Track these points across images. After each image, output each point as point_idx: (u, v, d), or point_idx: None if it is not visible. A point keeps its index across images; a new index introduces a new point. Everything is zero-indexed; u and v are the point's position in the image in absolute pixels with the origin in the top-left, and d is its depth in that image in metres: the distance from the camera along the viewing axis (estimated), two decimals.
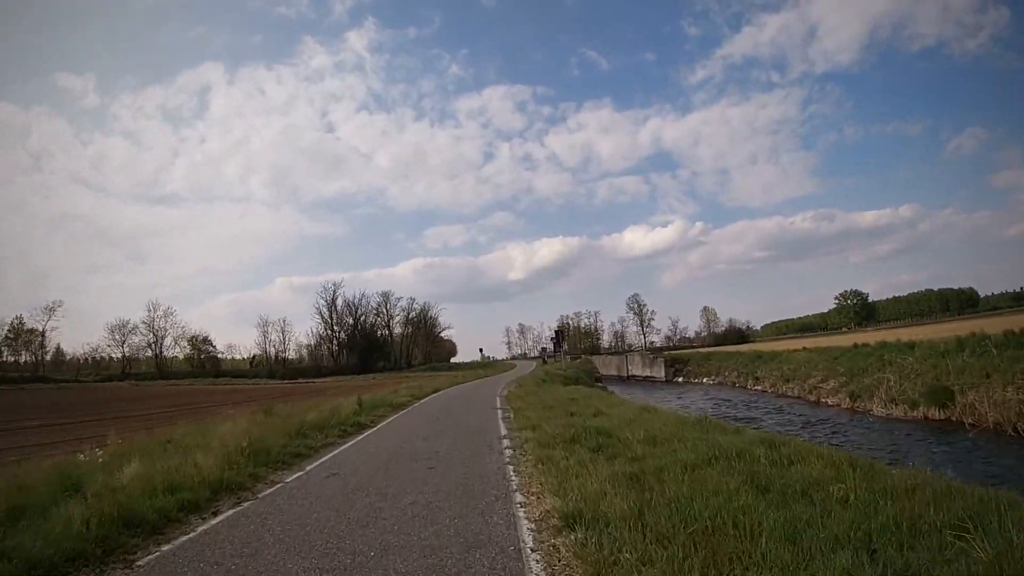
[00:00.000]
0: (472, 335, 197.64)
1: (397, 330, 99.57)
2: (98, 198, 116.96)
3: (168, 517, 5.29)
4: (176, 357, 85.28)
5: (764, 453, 6.28)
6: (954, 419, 16.69)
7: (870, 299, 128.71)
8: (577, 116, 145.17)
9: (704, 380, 47.35)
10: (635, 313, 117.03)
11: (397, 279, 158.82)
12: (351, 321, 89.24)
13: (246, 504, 5.98)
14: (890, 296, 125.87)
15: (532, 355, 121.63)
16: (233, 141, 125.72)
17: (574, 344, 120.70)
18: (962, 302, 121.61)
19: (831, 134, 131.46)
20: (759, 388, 38.24)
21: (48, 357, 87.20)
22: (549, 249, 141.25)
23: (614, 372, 57.09)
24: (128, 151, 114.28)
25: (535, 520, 4.86)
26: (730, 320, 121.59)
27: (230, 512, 5.70)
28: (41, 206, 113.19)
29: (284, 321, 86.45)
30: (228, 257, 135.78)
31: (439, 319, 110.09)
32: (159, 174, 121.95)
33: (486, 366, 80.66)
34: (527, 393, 18.17)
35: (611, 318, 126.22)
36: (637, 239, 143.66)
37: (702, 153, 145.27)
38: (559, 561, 3.92)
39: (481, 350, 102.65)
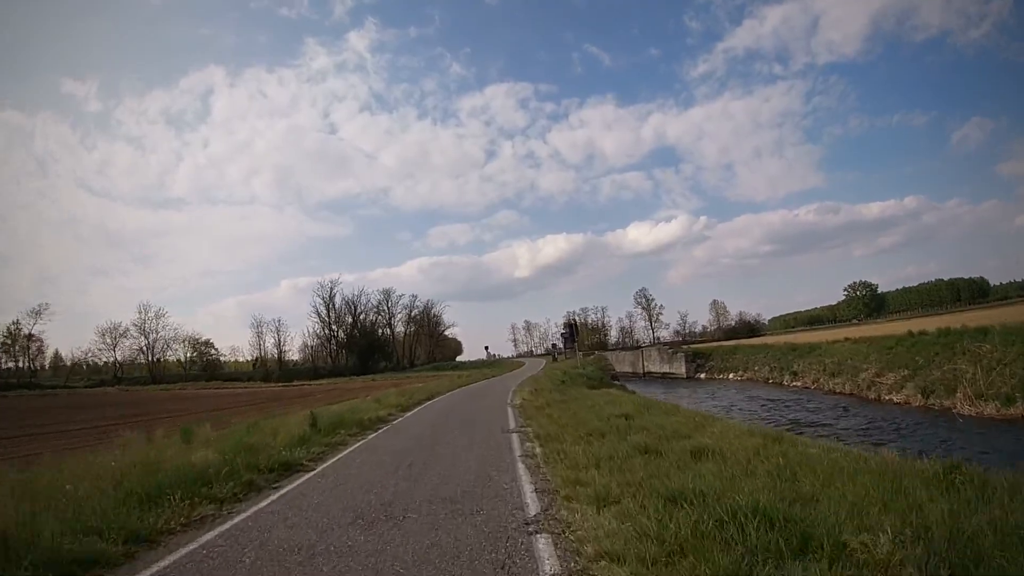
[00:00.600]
0: (478, 334, 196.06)
1: (399, 329, 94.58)
2: (103, 202, 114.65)
3: None
4: (179, 360, 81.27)
5: None
6: None
7: (879, 291, 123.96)
8: (580, 113, 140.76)
9: (730, 376, 42.03)
10: (643, 308, 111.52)
11: (403, 279, 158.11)
12: (350, 320, 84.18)
13: None
14: (898, 288, 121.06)
15: (538, 352, 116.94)
16: (236, 144, 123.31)
17: (581, 341, 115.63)
18: (973, 292, 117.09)
19: (835, 126, 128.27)
20: (798, 384, 33.12)
21: (47, 362, 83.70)
22: (554, 246, 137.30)
23: (628, 369, 51.83)
24: (132, 155, 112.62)
25: None
26: (740, 313, 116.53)
27: None
28: (47, 210, 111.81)
29: (279, 321, 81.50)
30: (233, 259, 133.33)
31: (443, 317, 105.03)
32: (163, 178, 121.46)
33: (492, 365, 75.36)
34: (549, 403, 12.91)
35: (617, 315, 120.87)
36: (641, 235, 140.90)
37: (705, 147, 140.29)
38: None
39: (487, 348, 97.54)
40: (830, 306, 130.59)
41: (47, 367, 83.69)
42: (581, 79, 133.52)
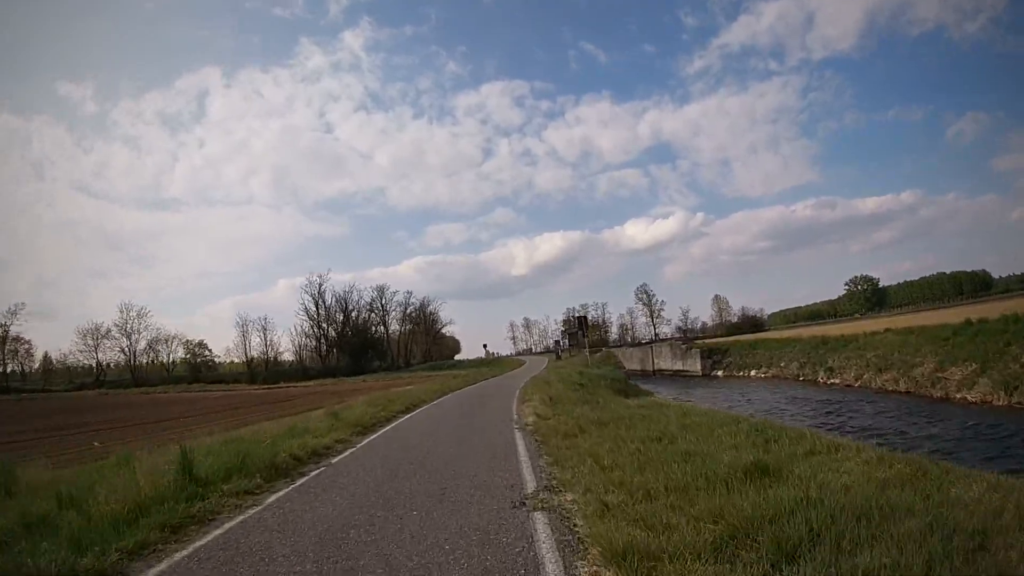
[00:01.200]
0: (477, 332, 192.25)
1: (394, 327, 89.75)
2: (100, 204, 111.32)
3: None
4: (165, 362, 76.68)
5: None
6: None
7: (880, 285, 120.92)
8: (576, 110, 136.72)
9: (752, 373, 37.34)
10: (644, 304, 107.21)
11: (400, 278, 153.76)
12: (341, 318, 79.34)
13: None
14: (899, 282, 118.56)
15: (538, 350, 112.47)
16: (232, 144, 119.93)
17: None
18: (976, 285, 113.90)
19: (831, 122, 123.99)
20: (836, 382, 28.64)
21: (36, 365, 78.95)
22: (551, 244, 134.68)
23: (637, 367, 47.03)
24: (128, 157, 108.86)
25: None
26: (743, 308, 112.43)
27: None
28: (45, 213, 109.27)
29: (265, 320, 76.43)
30: (230, 260, 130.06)
31: (439, 315, 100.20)
32: (160, 179, 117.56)
33: (491, 363, 70.59)
34: (580, 425, 7.96)
35: (617, 311, 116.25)
36: (638, 232, 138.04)
37: (701, 144, 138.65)
38: None
39: (485, 346, 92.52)
40: (830, 301, 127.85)
41: (36, 370, 79.42)
42: (577, 76, 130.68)
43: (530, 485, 5.36)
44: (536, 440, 8.01)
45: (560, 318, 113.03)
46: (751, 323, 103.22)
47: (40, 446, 10.80)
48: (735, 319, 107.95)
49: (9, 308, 67.22)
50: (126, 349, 70.23)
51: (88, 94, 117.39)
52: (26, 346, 71.37)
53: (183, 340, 74.72)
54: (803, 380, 31.80)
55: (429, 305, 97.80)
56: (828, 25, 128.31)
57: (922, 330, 26.35)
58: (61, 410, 30.75)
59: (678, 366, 42.62)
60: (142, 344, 70.85)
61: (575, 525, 4.00)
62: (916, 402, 20.30)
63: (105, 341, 69.77)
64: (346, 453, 8.30)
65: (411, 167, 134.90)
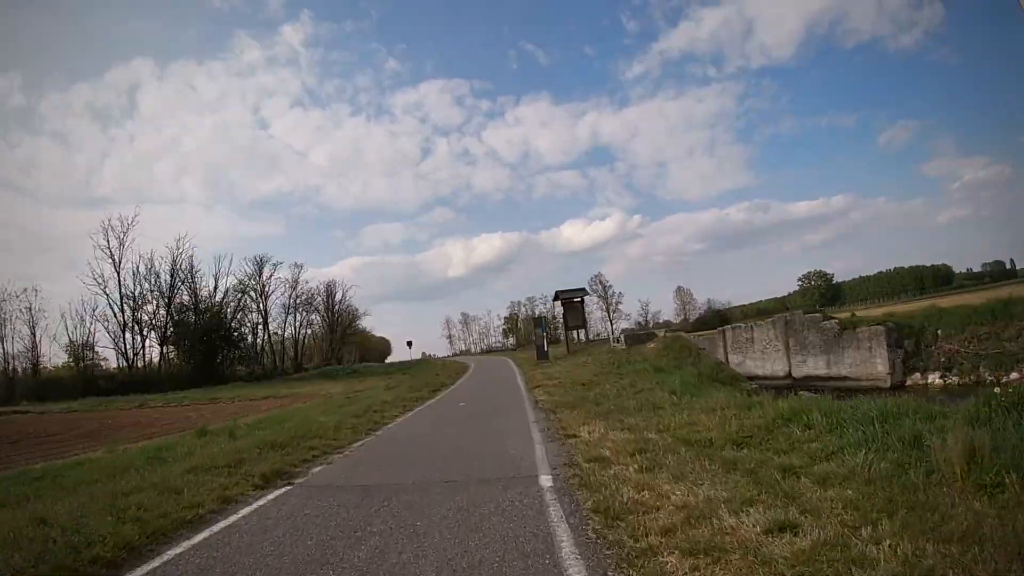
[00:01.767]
0: (415, 334, 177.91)
1: (284, 318, 61.77)
2: (27, 203, 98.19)
3: None
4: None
5: None
6: None
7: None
8: (515, 110, 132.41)
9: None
10: (600, 296, 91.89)
11: (337, 279, 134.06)
12: (186, 302, 50.57)
13: None
14: (853, 277, 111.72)
15: (477, 351, 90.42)
16: (164, 140, 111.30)
17: (528, 334, 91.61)
18: (937, 279, 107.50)
19: (767, 127, 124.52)
20: None
21: None
22: (489, 245, 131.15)
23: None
24: (57, 153, 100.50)
25: None
26: (708, 301, 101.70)
27: None
28: None
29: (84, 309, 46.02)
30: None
31: (357, 308, 74.24)
32: (90, 176, 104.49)
33: (420, 367, 45.44)
34: None
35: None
36: (576, 233, 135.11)
37: (639, 147, 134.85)
38: None
39: (410, 344, 67.19)
40: (778, 298, 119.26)
41: None
42: (517, 76, 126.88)
43: None
44: None
45: (504, 314, 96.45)
46: (718, 317, 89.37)
47: None
48: (701, 312, 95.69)
49: None
50: None
51: (15, 85, 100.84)
52: None
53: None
54: None
55: (337, 292, 70.87)
56: (767, 34, 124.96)
57: None
58: None
59: (811, 367, 20.88)
60: None
61: None
62: None
63: None
64: None
65: (348, 165, 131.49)
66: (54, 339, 50.59)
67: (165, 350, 48.90)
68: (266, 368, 55.59)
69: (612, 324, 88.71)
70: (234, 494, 5.72)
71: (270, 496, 5.71)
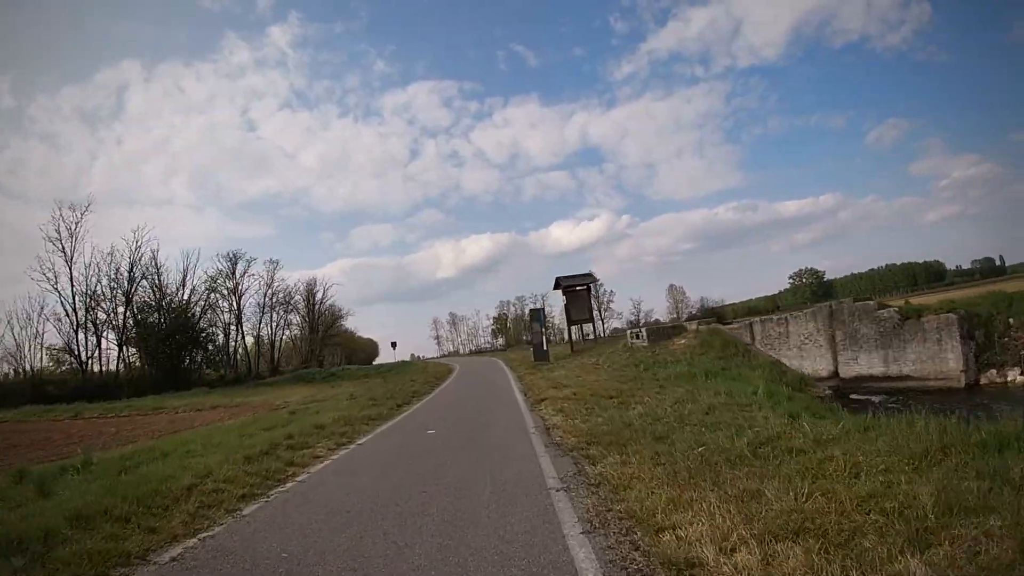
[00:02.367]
0: (405, 336, 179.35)
1: (258, 319, 56.91)
2: (17, 205, 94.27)
3: None
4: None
5: None
6: None
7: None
8: (504, 112, 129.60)
9: None
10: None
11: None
12: (150, 300, 45.67)
13: None
14: (845, 275, 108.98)
15: (464, 352, 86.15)
16: (152, 141, 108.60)
17: (518, 333, 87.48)
18: (930, 275, 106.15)
19: (755, 127, 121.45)
20: None
21: None
22: (478, 246, 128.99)
23: None
24: (46, 154, 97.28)
25: None
26: (702, 299, 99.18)
27: None
28: None
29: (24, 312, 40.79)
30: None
31: (340, 308, 69.44)
32: (78, 178, 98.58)
33: (399, 371, 41.14)
34: None
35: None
36: (564, 234, 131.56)
37: (628, 147, 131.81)
38: None
39: (394, 345, 62.77)
40: (769, 296, 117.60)
41: None
42: (506, 77, 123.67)
43: None
44: None
45: (493, 313, 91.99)
46: (713, 316, 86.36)
47: None
48: (694, 311, 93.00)
49: None
50: None
51: (5, 88, 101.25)
52: None
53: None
54: None
55: (318, 290, 66.05)
56: (755, 34, 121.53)
57: None
58: None
59: (863, 366, 17.05)
60: None
61: None
62: None
63: None
64: None
65: (337, 167, 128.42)
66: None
67: (125, 353, 43.94)
68: (239, 372, 50.82)
69: (604, 323, 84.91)
70: None
71: None
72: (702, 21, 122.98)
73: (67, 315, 40.69)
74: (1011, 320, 16.45)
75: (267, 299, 56.36)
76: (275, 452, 7.00)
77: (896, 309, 17.22)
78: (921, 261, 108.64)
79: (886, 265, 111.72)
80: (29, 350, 41.12)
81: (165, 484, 5.29)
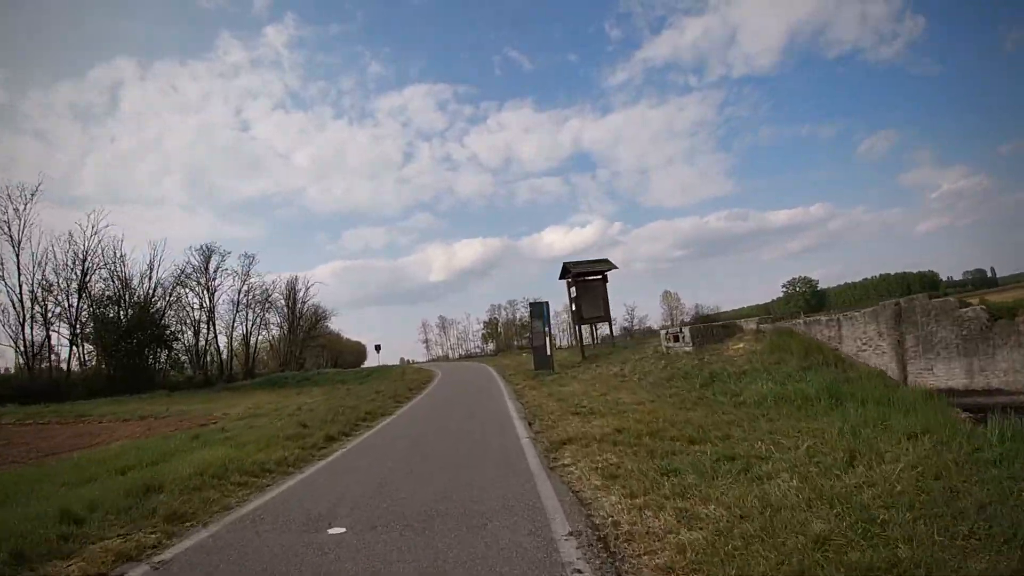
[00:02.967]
0: (397, 339, 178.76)
1: (232, 319, 52.59)
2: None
3: None
4: None
5: None
6: None
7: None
8: (498, 116, 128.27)
9: None
10: None
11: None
12: (113, 293, 41.30)
13: None
14: (838, 284, 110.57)
15: (454, 356, 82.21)
16: (145, 140, 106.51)
17: (508, 338, 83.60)
18: (924, 286, 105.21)
19: (747, 136, 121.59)
20: None
21: None
22: (470, 250, 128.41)
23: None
24: (39, 151, 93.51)
25: None
26: (697, 306, 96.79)
27: None
28: None
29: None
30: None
31: (324, 308, 65.53)
32: (70, 175, 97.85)
33: (375, 376, 37.27)
34: None
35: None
36: (557, 239, 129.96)
37: (621, 154, 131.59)
38: None
39: (378, 348, 58.84)
40: (762, 305, 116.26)
41: None
42: (500, 82, 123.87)
43: None
44: None
45: (484, 318, 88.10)
46: (708, 323, 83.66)
47: None
48: (688, 318, 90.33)
49: None
50: None
51: None
52: None
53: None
54: None
55: (299, 289, 61.96)
56: (750, 43, 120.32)
57: None
58: None
59: (940, 377, 13.57)
60: None
61: None
62: None
63: None
64: None
65: (331, 168, 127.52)
66: None
67: (80, 349, 39.51)
68: (209, 373, 46.46)
69: (597, 330, 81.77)
70: None
71: None
72: (697, 30, 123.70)
73: (13, 306, 36.25)
74: None
75: (242, 296, 52.17)
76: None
77: (983, 307, 13.81)
78: (916, 271, 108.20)
79: (880, 275, 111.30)
80: None
81: None
